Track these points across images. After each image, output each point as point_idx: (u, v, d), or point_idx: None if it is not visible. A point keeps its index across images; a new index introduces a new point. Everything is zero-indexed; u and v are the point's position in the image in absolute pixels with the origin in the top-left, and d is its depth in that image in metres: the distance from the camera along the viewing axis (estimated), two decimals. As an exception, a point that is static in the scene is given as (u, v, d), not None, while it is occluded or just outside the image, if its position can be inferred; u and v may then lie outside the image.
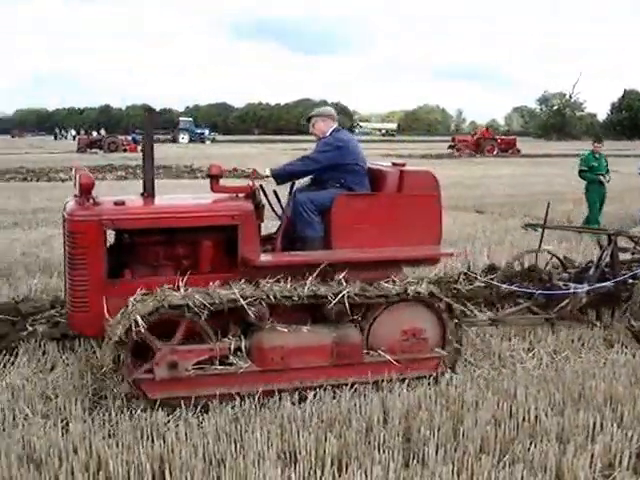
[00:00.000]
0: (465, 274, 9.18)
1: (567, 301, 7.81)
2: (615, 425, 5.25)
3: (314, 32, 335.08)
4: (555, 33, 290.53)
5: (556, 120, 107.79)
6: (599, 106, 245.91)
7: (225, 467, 4.58)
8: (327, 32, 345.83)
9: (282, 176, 6.66)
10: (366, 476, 4.51)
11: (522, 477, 4.55)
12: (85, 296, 5.89)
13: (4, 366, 6.45)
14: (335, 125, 6.97)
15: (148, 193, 6.45)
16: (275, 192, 6.75)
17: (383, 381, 6.08)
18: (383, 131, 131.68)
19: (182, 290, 5.74)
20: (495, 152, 53.58)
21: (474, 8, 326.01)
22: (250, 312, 5.75)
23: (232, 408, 5.58)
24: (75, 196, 6.15)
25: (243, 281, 5.97)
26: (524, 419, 5.37)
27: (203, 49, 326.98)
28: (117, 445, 4.88)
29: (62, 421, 5.32)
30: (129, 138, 58.45)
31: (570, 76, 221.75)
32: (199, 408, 5.60)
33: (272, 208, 6.73)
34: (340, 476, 4.58)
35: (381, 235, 6.46)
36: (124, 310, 5.65)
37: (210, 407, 5.60)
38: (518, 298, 8.33)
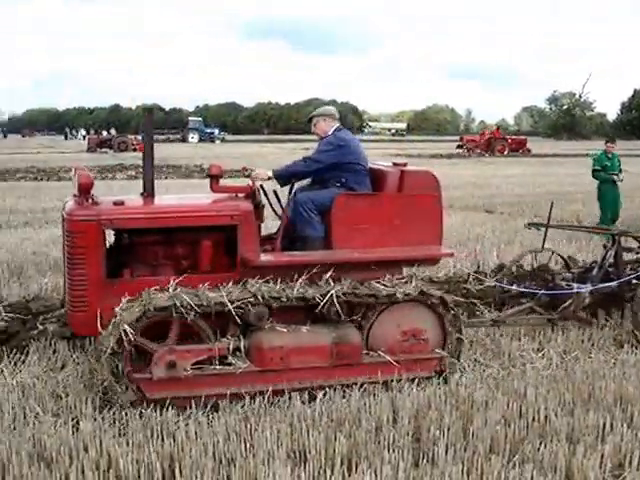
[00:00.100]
0: (475, 273, 9.13)
1: (570, 301, 7.76)
2: (625, 425, 5.24)
3: (323, 32, 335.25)
4: (565, 33, 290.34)
5: (566, 120, 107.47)
6: (609, 106, 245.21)
7: (235, 466, 4.58)
8: (336, 32, 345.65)
9: (284, 177, 6.65)
10: (376, 476, 4.52)
11: (532, 477, 4.55)
12: (84, 295, 5.89)
13: (15, 364, 6.47)
14: (337, 125, 6.94)
15: (148, 193, 6.45)
16: (275, 192, 6.75)
17: (392, 381, 6.06)
18: (393, 131, 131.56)
19: (171, 290, 5.71)
20: (506, 152, 53.40)
21: (484, 7, 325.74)
22: (234, 313, 5.71)
23: (242, 407, 5.59)
24: (74, 196, 6.15)
25: (231, 282, 5.94)
26: (534, 419, 5.36)
27: (213, 49, 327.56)
28: (127, 444, 4.89)
29: (72, 420, 5.33)
30: (139, 137, 58.53)
31: (580, 76, 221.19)
32: (209, 407, 5.61)
33: (272, 208, 6.74)
34: (350, 475, 4.58)
35: (381, 235, 6.43)
36: (113, 320, 5.62)
37: (220, 406, 5.62)
38: (521, 298, 8.25)
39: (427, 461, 4.76)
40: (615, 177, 14.54)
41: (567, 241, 12.49)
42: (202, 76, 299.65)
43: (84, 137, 67.79)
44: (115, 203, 6.05)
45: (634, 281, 8.00)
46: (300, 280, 6.00)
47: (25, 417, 5.42)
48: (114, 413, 5.47)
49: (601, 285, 7.92)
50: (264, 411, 5.52)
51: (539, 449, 4.90)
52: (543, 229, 8.71)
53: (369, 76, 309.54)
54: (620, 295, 8.09)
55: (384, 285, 6.13)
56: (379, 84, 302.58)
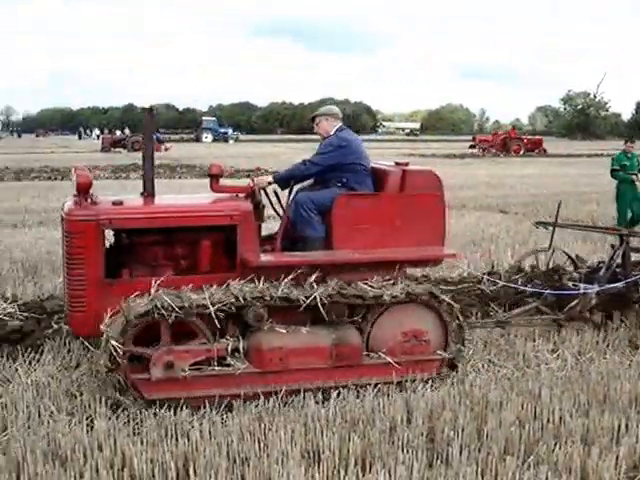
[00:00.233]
0: (489, 274, 9.10)
1: (576, 302, 7.71)
2: (640, 427, 5.21)
3: (336, 31, 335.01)
4: (579, 33, 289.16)
5: (580, 120, 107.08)
6: (624, 105, 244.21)
7: (249, 466, 4.59)
8: (350, 31, 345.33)
9: (285, 180, 6.63)
10: (390, 476, 4.51)
11: (546, 478, 4.53)
12: (83, 296, 5.89)
13: (29, 363, 6.49)
14: (339, 124, 6.93)
15: (148, 193, 6.45)
16: (275, 192, 6.75)
17: (397, 382, 6.06)
18: (407, 130, 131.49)
19: (152, 292, 5.66)
20: (521, 152, 53.17)
21: (500, 7, 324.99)
22: (215, 315, 5.65)
23: (256, 407, 5.59)
24: (74, 196, 6.15)
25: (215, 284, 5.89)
26: (548, 420, 5.33)
27: (226, 48, 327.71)
28: (142, 443, 4.90)
29: (87, 418, 5.35)
30: (153, 137, 58.63)
31: (595, 75, 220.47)
32: (222, 407, 5.61)
33: (274, 208, 6.73)
34: (364, 476, 4.58)
35: (383, 236, 6.39)
36: (104, 340, 5.61)
37: (234, 406, 5.62)
38: (526, 298, 8.18)
39: (441, 462, 4.76)
40: (634, 177, 14.49)
41: (582, 242, 12.44)
42: (216, 76, 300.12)
43: (98, 137, 68.00)
44: (114, 203, 6.04)
45: None
46: (285, 280, 5.93)
47: (40, 416, 5.43)
48: (128, 412, 5.47)
49: (608, 286, 7.85)
50: (278, 411, 5.51)
51: (554, 450, 4.87)
52: (551, 228, 8.67)
53: (383, 76, 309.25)
54: (628, 296, 8.00)
55: (371, 286, 6.06)
56: (393, 84, 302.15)
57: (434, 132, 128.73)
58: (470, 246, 12.37)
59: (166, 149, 53.95)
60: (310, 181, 6.94)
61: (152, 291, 5.66)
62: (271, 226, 6.97)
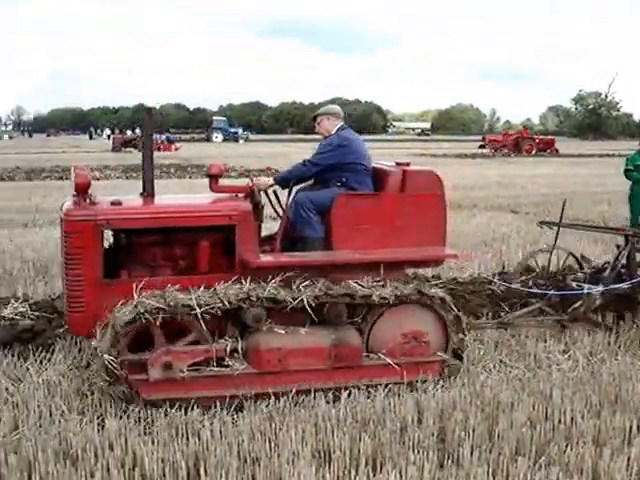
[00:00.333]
0: (500, 274, 9.06)
1: (580, 302, 7.64)
2: (652, 428, 5.18)
3: (347, 30, 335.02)
4: (592, 33, 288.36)
5: (591, 120, 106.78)
6: (635, 105, 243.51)
7: (260, 465, 4.59)
8: (361, 30, 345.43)
9: (285, 181, 6.61)
10: (401, 476, 4.50)
11: (558, 479, 4.51)
12: (81, 296, 5.87)
13: (40, 362, 6.51)
14: (341, 123, 6.91)
15: (147, 193, 6.43)
16: (275, 192, 6.72)
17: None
18: (418, 130, 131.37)
19: (136, 298, 5.62)
20: (533, 152, 52.98)
21: (510, 7, 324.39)
22: (200, 318, 5.62)
23: (266, 407, 5.59)
24: (73, 196, 6.15)
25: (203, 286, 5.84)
26: (560, 421, 5.31)
27: (237, 48, 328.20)
28: (152, 442, 4.91)
29: (98, 418, 5.36)
30: (163, 137, 58.81)
31: (607, 75, 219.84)
32: (233, 408, 5.61)
33: (274, 209, 6.72)
34: (374, 476, 4.57)
35: (383, 236, 6.35)
36: (97, 356, 5.62)
37: (245, 405, 5.62)
38: (531, 299, 8.10)
39: (452, 462, 4.74)
40: None
41: (593, 242, 12.39)
42: (226, 76, 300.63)
43: (109, 137, 68.19)
44: (112, 203, 6.03)
45: None
46: (273, 281, 5.89)
47: (51, 415, 5.44)
48: (139, 411, 5.48)
49: (612, 286, 7.78)
50: (289, 411, 5.51)
51: (565, 451, 4.85)
52: (555, 228, 8.63)
53: (393, 75, 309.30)
54: (632, 297, 7.92)
55: (361, 286, 5.98)
56: (403, 83, 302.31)
57: (444, 132, 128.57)
58: (481, 246, 12.35)
59: (176, 149, 54.17)
60: (310, 181, 6.91)
61: (135, 296, 5.64)
62: (271, 226, 6.93)
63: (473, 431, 5.06)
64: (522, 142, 54.44)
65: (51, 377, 6.12)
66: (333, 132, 6.84)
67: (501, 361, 6.79)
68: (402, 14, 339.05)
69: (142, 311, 5.50)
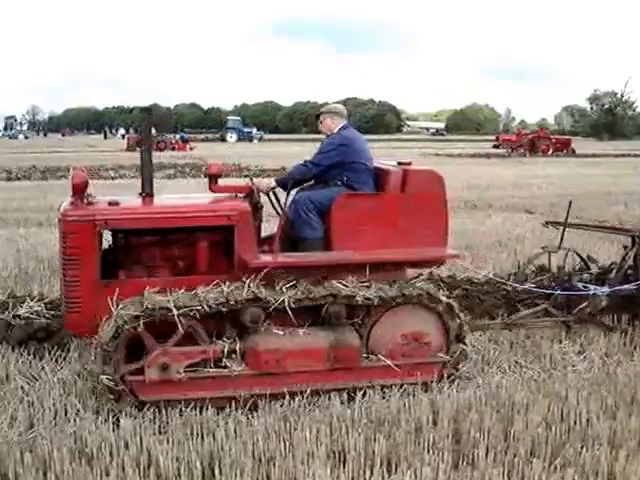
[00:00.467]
0: (515, 275, 9.00)
1: (586, 303, 7.57)
2: (669, 430, 5.15)
3: (360, 30, 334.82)
4: (606, 32, 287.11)
5: (607, 119, 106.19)
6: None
7: (274, 465, 4.59)
8: (375, 31, 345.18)
9: (287, 183, 6.60)
10: (415, 477, 4.50)
11: (573, 481, 4.50)
12: (78, 296, 5.86)
13: (56, 361, 6.54)
14: (344, 122, 6.88)
15: (147, 193, 6.42)
16: (275, 192, 6.69)
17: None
18: (432, 130, 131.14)
19: (113, 310, 5.58)
20: (550, 152, 52.70)
21: (525, 6, 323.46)
22: (180, 321, 5.57)
23: (281, 406, 5.58)
24: (72, 196, 6.13)
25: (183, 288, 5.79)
26: (575, 422, 5.29)
27: (250, 47, 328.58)
28: (167, 442, 4.92)
29: (113, 417, 5.37)
30: (177, 137, 58.96)
31: (622, 74, 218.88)
32: (247, 407, 5.60)
33: (275, 209, 6.69)
34: (389, 476, 4.57)
35: (383, 236, 6.29)
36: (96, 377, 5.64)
37: (259, 405, 5.62)
38: (537, 299, 8.02)
39: (467, 463, 4.74)
40: None
41: (609, 243, 12.31)
42: (241, 75, 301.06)
43: (123, 136, 68.33)
44: (110, 203, 6.01)
45: None
46: (254, 282, 5.83)
47: (66, 414, 5.47)
48: (154, 410, 5.49)
49: (619, 287, 7.71)
50: (303, 411, 5.50)
51: (580, 453, 4.83)
52: (566, 228, 8.57)
53: (408, 75, 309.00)
54: (639, 298, 7.81)
55: (344, 287, 5.90)
56: (418, 83, 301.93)
57: (459, 132, 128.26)
58: (496, 246, 12.31)
59: (191, 148, 54.29)
60: (310, 180, 6.88)
61: (113, 310, 5.60)
62: (272, 227, 6.90)
63: (488, 432, 5.05)
64: (539, 142, 54.13)
65: (66, 376, 6.14)
66: (335, 131, 6.82)
67: (516, 362, 6.77)
68: (417, 14, 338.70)
69: (121, 324, 5.48)
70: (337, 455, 4.82)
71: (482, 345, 7.07)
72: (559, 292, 7.79)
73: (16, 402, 5.67)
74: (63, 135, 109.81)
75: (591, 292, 7.61)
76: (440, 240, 6.47)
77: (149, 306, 5.49)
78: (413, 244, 6.33)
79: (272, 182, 6.66)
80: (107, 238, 6.44)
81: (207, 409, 5.46)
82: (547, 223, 9.21)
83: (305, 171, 6.66)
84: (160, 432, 5.17)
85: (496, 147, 58.72)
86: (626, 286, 7.73)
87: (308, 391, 5.75)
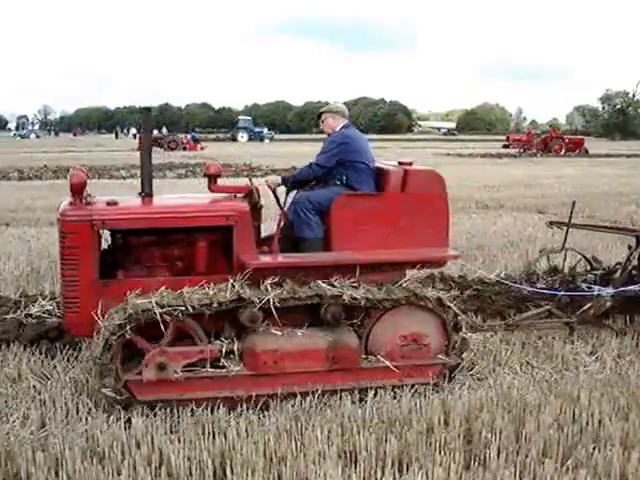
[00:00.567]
0: (527, 275, 8.96)
1: (590, 304, 7.50)
2: (681, 431, 5.13)
3: (371, 30, 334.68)
4: (617, 32, 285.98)
5: (619, 119, 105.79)
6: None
7: (286, 465, 4.59)
8: (384, 29, 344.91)
9: (292, 184, 6.63)
10: (427, 477, 4.49)
11: (585, 482, 4.49)
12: (76, 296, 5.86)
13: (68, 360, 6.55)
14: (345, 122, 6.86)
15: (146, 193, 6.42)
16: (274, 192, 6.65)
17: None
18: (444, 130, 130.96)
19: (100, 323, 5.57)
20: (562, 152, 52.48)
21: (536, 6, 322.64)
22: (164, 322, 5.53)
23: (292, 406, 5.58)
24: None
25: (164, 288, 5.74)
26: (587, 423, 5.27)
27: (260, 47, 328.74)
28: (179, 441, 4.93)
29: (125, 416, 5.38)
30: (188, 136, 59.06)
31: (634, 74, 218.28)
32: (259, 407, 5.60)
33: (281, 208, 6.64)
34: (401, 477, 4.56)
35: (383, 236, 6.25)
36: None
37: (271, 405, 5.62)
38: (540, 300, 7.95)
39: (479, 464, 4.72)
40: None
41: (621, 244, 12.26)
42: (252, 75, 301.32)
43: (134, 136, 68.46)
44: (108, 203, 6.00)
45: None
46: (239, 282, 5.78)
47: (78, 412, 5.48)
48: (165, 409, 5.49)
49: (623, 288, 7.63)
50: (315, 410, 5.50)
51: (592, 454, 4.81)
52: (573, 228, 8.52)
53: (419, 75, 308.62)
54: None
55: (330, 287, 5.84)
56: (429, 83, 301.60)
57: (470, 132, 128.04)
58: (508, 247, 12.28)
59: (202, 148, 54.36)
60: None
61: (99, 323, 5.60)
62: (273, 227, 6.86)
63: (500, 433, 5.03)
64: (551, 142, 53.93)
65: (78, 375, 6.16)
66: (337, 130, 6.80)
67: (528, 362, 6.75)
68: (429, 13, 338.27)
69: (109, 335, 5.48)
70: (348, 455, 4.81)
71: (493, 346, 7.06)
72: (562, 293, 7.75)
73: (28, 401, 5.69)
74: (75, 135, 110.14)
75: (595, 293, 7.56)
76: (441, 240, 6.43)
77: (131, 312, 5.46)
78: (413, 244, 6.29)
79: (279, 179, 6.65)
80: (107, 238, 6.46)
81: (218, 408, 5.47)
82: (551, 223, 9.18)
83: (311, 173, 6.65)
84: (172, 431, 5.18)
85: (506, 147, 58.57)
86: (631, 287, 7.66)
87: (312, 392, 5.73)
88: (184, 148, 53.47)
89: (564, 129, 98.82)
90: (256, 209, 6.41)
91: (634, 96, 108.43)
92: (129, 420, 5.29)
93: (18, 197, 19.73)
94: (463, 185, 22.31)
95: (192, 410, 5.47)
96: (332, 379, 5.85)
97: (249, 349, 5.73)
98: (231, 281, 5.76)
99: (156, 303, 5.49)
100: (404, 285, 6.03)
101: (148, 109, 6.64)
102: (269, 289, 5.73)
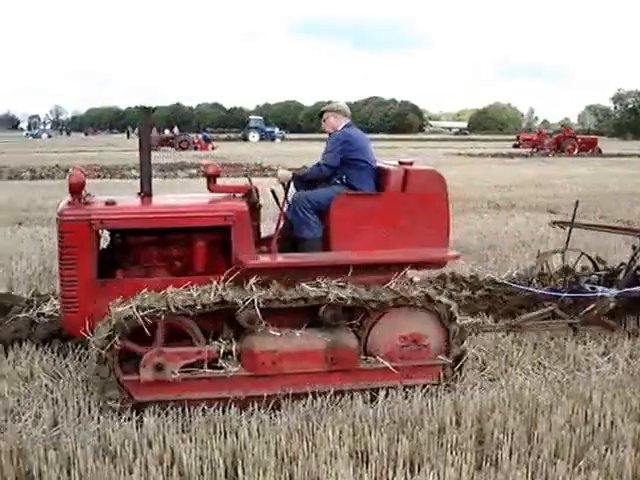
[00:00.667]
0: (540, 275, 8.93)
1: (593, 305, 7.45)
2: (694, 432, 5.10)
3: (382, 29, 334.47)
4: (628, 31, 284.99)
5: (631, 119, 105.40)
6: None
7: (297, 465, 4.59)
8: (395, 29, 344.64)
9: (301, 182, 6.61)
10: (438, 478, 4.49)
11: (597, 483, 4.47)
12: (74, 296, 5.86)
13: (79, 359, 6.56)
14: (347, 121, 6.83)
15: (145, 193, 6.41)
16: (273, 191, 6.64)
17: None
18: (455, 130, 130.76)
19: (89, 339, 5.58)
20: (575, 152, 52.30)
21: (548, 6, 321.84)
22: (146, 325, 5.51)
23: (304, 406, 5.57)
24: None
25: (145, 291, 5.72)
26: (599, 424, 5.25)
27: (271, 48, 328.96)
28: (190, 440, 4.94)
29: (136, 415, 5.39)
30: (200, 136, 59.14)
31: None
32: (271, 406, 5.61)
33: (280, 208, 6.60)
34: (412, 477, 4.56)
35: (383, 237, 6.20)
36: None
37: (282, 404, 5.61)
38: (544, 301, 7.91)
39: (490, 464, 4.72)
40: None
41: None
42: (262, 75, 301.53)
43: (146, 135, 68.40)
44: (107, 203, 5.99)
45: None
46: (221, 284, 5.76)
47: (90, 411, 5.49)
48: (177, 409, 5.50)
49: (628, 289, 7.56)
50: (326, 411, 5.49)
51: (605, 455, 4.80)
52: (580, 228, 8.48)
53: (430, 75, 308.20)
54: None
55: (314, 289, 5.79)
56: (440, 82, 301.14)
57: (481, 131, 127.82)
58: (519, 246, 12.26)
59: (213, 148, 54.47)
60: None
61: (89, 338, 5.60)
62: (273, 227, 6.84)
63: (512, 433, 5.02)
64: (564, 142, 53.75)
65: (89, 374, 6.16)
66: (339, 129, 6.78)
67: (539, 363, 6.73)
68: (439, 13, 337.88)
69: (100, 349, 5.47)
70: (360, 455, 4.81)
71: (505, 346, 7.04)
72: (565, 295, 7.70)
73: (40, 400, 5.71)
74: (86, 134, 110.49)
75: (598, 294, 7.51)
76: (441, 241, 6.39)
77: (114, 322, 5.45)
78: (413, 245, 6.25)
79: (290, 175, 6.62)
80: (107, 238, 6.47)
81: (230, 408, 5.47)
82: (554, 223, 9.15)
83: (320, 173, 6.60)
84: (183, 431, 5.19)
85: (516, 147, 58.43)
86: (635, 288, 7.60)
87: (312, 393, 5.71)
88: (195, 148, 53.59)
89: (576, 129, 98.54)
90: (255, 209, 6.39)
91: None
92: (141, 419, 5.30)
93: (30, 197, 19.80)
94: (475, 185, 22.29)
95: (204, 409, 5.47)
96: (331, 380, 5.82)
97: (247, 350, 5.72)
98: (214, 283, 5.76)
99: (137, 307, 5.47)
100: (392, 286, 5.97)
101: (147, 109, 6.64)
102: (254, 289, 5.71)
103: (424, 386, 5.92)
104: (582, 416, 5.37)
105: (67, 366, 6.38)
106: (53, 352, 6.68)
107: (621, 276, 7.87)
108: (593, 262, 8.57)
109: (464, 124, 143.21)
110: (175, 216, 6.12)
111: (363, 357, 5.94)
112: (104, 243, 6.46)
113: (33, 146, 60.68)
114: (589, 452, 4.84)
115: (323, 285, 5.83)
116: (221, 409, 5.45)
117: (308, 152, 47.69)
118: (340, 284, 5.89)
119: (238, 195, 6.36)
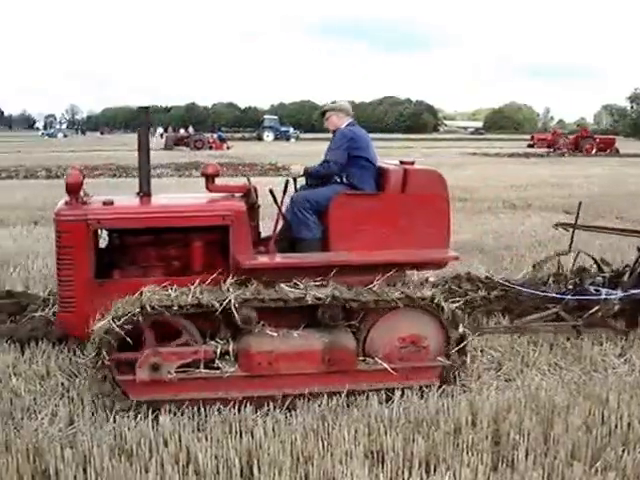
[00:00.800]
0: (555, 276, 8.88)
1: (597, 307, 7.38)
2: None
3: (397, 30, 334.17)
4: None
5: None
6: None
7: (313, 464, 4.58)
8: (409, 29, 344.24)
9: (312, 178, 6.62)
10: (454, 478, 4.48)
11: (614, 485, 4.45)
12: (72, 296, 5.86)
13: (95, 358, 6.57)
14: (349, 120, 6.81)
15: (144, 192, 6.40)
16: (271, 191, 6.58)
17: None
18: (471, 129, 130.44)
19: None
20: (593, 151, 52.02)
21: (564, 6, 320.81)
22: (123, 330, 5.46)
23: (319, 406, 5.57)
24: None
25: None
26: (616, 426, 5.22)
27: (287, 47, 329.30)
28: (206, 439, 4.94)
29: (152, 413, 5.39)
30: (215, 136, 59.22)
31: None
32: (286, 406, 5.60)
33: (279, 208, 6.55)
34: (428, 477, 4.55)
35: (382, 237, 6.17)
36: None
37: (298, 404, 5.60)
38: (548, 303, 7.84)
39: (506, 465, 4.70)
40: None
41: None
42: (278, 74, 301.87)
43: (161, 135, 68.67)
44: (104, 203, 6.00)
45: None
46: (196, 287, 5.70)
47: (106, 410, 5.50)
48: (193, 408, 5.50)
49: (632, 291, 7.49)
50: (341, 410, 5.49)
51: (622, 456, 4.77)
52: (590, 230, 8.43)
53: (445, 75, 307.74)
54: None
55: (293, 289, 5.73)
56: (455, 82, 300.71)
57: (497, 131, 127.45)
58: (535, 246, 12.22)
59: (228, 147, 54.52)
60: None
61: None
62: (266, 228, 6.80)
63: (528, 434, 5.01)
64: (582, 141, 53.48)
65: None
66: (342, 127, 6.75)
67: (556, 364, 6.70)
68: (454, 13, 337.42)
69: (94, 371, 5.50)
70: (375, 455, 4.80)
71: (521, 347, 7.01)
72: (569, 297, 7.65)
73: (56, 398, 5.73)
74: (102, 134, 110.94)
75: (602, 297, 7.45)
76: (442, 241, 6.36)
77: (98, 340, 5.43)
78: (413, 245, 6.22)
79: (301, 170, 6.60)
80: (105, 238, 6.47)
81: (245, 407, 5.47)
82: (557, 225, 9.10)
83: (328, 169, 6.55)
84: (199, 430, 5.19)
85: (531, 146, 58.22)
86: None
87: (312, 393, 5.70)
88: (210, 147, 53.65)
89: (592, 129, 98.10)
90: (253, 209, 6.38)
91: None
92: (156, 418, 5.31)
93: (46, 196, 19.80)
94: (490, 185, 22.23)
95: (219, 409, 5.47)
96: (328, 381, 5.79)
97: (244, 350, 5.69)
98: (196, 284, 5.74)
99: (113, 318, 5.44)
100: (374, 288, 5.91)
101: (146, 108, 6.68)
102: (230, 290, 5.68)
103: (440, 386, 5.90)
104: (599, 417, 5.34)
105: (82, 365, 6.39)
106: (69, 351, 6.70)
107: (626, 278, 7.81)
108: (597, 264, 8.50)
109: (479, 124, 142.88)
110: (173, 216, 6.12)
111: (361, 358, 5.91)
112: (103, 243, 6.47)
113: (49, 145, 60.90)
114: (606, 453, 4.81)
115: (301, 285, 5.78)
116: (237, 408, 5.46)
117: (322, 152, 47.66)
118: (318, 284, 5.83)
119: (237, 195, 6.35)
